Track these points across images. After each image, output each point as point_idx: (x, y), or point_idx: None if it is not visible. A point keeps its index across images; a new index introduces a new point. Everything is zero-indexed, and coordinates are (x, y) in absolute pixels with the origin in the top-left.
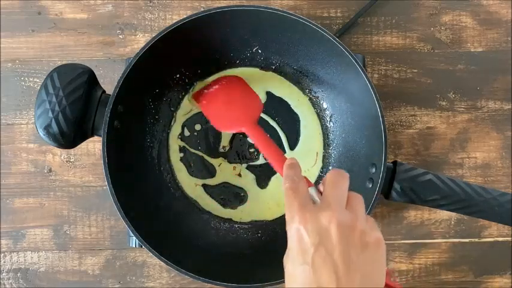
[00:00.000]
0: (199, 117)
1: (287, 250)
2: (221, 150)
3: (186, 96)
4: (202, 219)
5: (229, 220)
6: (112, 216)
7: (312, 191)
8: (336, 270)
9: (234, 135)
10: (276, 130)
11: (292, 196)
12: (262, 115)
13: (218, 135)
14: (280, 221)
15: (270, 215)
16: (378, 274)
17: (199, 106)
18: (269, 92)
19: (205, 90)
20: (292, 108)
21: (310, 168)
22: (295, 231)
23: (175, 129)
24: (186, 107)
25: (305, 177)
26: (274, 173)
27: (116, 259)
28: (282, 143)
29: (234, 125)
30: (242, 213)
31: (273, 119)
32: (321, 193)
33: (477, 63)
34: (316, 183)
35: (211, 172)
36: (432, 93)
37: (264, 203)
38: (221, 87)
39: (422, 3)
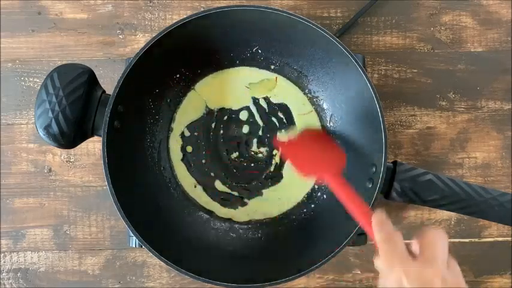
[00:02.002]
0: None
1: None
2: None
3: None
4: (202, 219)
5: (229, 220)
6: (112, 216)
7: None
8: None
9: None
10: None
11: (390, 248)
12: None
13: (217, 138)
14: (281, 219)
15: (270, 213)
16: None
17: (281, 151)
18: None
19: (290, 139)
20: (292, 108)
21: None
22: (398, 282)
23: (176, 129)
24: (186, 108)
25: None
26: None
27: (116, 259)
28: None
29: (317, 171)
30: (242, 214)
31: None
32: (411, 253)
33: (477, 63)
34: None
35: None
36: (432, 93)
37: (264, 202)
38: (306, 137)
39: (422, 3)
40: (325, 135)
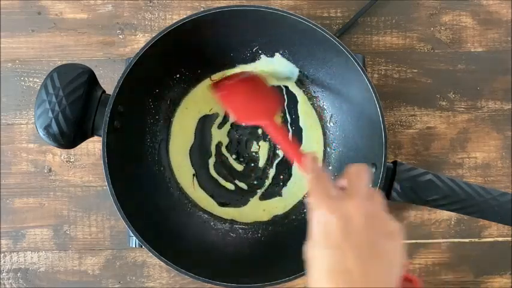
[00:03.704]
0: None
1: (310, 236)
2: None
3: (205, 86)
4: (202, 219)
5: (230, 220)
6: (112, 216)
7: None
8: (361, 255)
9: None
10: None
11: (318, 184)
12: None
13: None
14: (282, 219)
15: (267, 216)
16: (398, 263)
17: (217, 96)
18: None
19: (226, 82)
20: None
21: None
22: (322, 217)
23: (176, 129)
24: (187, 108)
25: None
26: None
27: (116, 259)
28: None
29: (254, 117)
30: (242, 214)
31: None
32: (341, 188)
33: (477, 63)
34: None
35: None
36: (432, 93)
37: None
38: (243, 81)
39: (422, 3)
40: (261, 79)
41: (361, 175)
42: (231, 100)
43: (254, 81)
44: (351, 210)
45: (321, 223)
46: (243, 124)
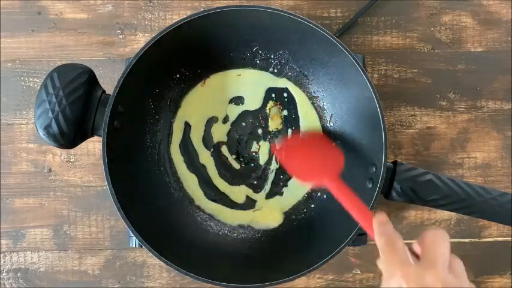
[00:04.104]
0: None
1: None
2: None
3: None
4: (202, 219)
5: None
6: (112, 216)
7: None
8: None
9: (231, 133)
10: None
11: (391, 251)
12: None
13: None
14: (283, 228)
15: (272, 223)
16: None
17: (278, 157)
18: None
19: (287, 143)
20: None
21: None
22: (396, 286)
23: (176, 129)
24: (187, 108)
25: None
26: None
27: (116, 259)
28: None
29: (315, 176)
30: (242, 214)
31: None
32: (414, 254)
33: (477, 63)
34: None
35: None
36: (432, 93)
37: (264, 211)
38: (303, 140)
39: (422, 3)
40: (322, 136)
41: (439, 242)
42: (290, 160)
43: (315, 139)
44: (430, 282)
45: None
46: (306, 183)
